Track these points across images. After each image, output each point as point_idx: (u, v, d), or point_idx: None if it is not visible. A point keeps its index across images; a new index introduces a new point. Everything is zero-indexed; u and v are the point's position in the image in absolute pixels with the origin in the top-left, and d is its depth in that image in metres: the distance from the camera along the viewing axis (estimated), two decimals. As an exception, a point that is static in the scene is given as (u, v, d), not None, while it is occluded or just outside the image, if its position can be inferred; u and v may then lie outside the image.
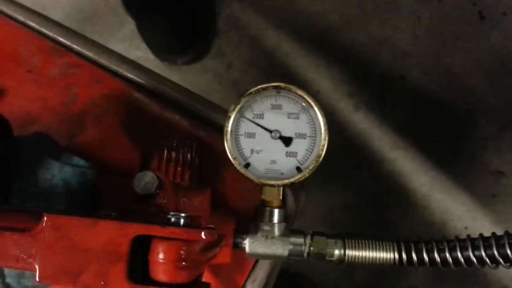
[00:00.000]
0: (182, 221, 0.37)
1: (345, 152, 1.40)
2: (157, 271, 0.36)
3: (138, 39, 1.52)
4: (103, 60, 0.67)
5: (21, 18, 0.70)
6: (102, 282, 0.36)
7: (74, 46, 0.68)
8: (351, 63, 1.49)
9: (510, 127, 1.38)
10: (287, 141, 0.51)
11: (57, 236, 0.37)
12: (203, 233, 0.37)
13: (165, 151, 0.55)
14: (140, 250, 0.37)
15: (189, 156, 0.55)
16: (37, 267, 0.37)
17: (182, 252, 0.35)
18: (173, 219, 0.37)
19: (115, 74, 0.67)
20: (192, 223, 0.38)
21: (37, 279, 0.37)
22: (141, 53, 1.52)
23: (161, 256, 0.36)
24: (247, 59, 1.50)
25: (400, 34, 1.49)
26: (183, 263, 0.35)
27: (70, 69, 0.67)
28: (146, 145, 0.61)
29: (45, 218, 0.37)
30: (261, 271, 0.59)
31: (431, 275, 1.33)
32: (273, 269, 0.63)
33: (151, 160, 0.56)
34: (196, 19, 1.43)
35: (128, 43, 1.55)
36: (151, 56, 1.51)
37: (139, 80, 0.66)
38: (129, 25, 1.54)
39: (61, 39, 0.68)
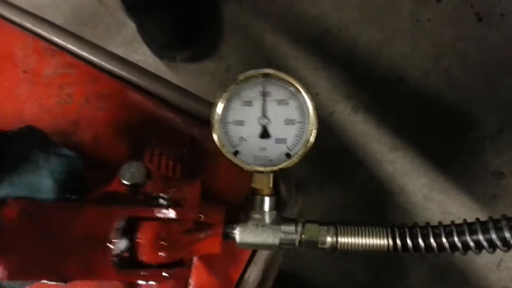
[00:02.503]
0: (162, 201, 0.37)
1: (344, 153, 1.40)
2: (144, 253, 0.35)
3: (137, 43, 1.53)
4: (98, 60, 0.67)
5: (16, 19, 0.70)
6: (86, 270, 0.34)
7: (69, 46, 0.68)
8: (350, 64, 1.49)
9: (509, 127, 1.38)
10: (265, 134, 0.51)
11: (29, 224, 0.34)
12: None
13: (157, 146, 0.55)
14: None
15: (180, 150, 0.55)
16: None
17: (167, 232, 0.35)
18: (155, 202, 0.37)
19: (110, 73, 0.67)
20: (172, 203, 0.38)
21: (2, 276, 0.32)
22: (140, 56, 1.53)
23: (147, 237, 0.35)
24: (246, 61, 1.51)
25: (399, 35, 1.49)
26: (166, 243, 0.35)
27: (64, 69, 0.67)
28: (140, 143, 0.61)
29: (16, 206, 0.35)
30: (256, 267, 0.59)
31: (431, 276, 1.32)
32: (271, 268, 0.63)
33: (143, 155, 0.57)
34: (197, 16, 1.43)
35: (127, 47, 1.56)
36: (150, 59, 1.51)
37: (133, 78, 0.67)
38: (128, 29, 1.55)
39: (56, 39, 0.69)
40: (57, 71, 0.67)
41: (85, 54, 0.68)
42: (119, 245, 0.36)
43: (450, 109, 1.42)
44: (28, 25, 0.70)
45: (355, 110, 1.44)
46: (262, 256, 0.59)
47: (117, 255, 0.36)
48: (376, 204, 1.39)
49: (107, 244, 0.35)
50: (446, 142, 1.40)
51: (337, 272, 1.35)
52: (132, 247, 0.36)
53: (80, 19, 1.60)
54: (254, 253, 0.59)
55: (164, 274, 0.38)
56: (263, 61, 1.51)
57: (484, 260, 1.31)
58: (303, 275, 1.33)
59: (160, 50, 1.46)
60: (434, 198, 1.36)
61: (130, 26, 1.53)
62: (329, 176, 1.39)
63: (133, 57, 1.52)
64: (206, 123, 0.64)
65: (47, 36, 0.69)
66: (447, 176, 1.37)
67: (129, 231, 0.36)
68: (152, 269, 0.37)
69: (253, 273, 0.58)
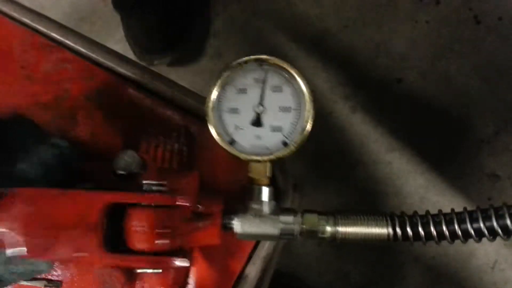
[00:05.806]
0: (156, 187, 0.37)
1: (341, 154, 1.40)
2: (133, 239, 0.36)
3: (135, 40, 1.52)
4: (96, 56, 0.67)
5: (14, 14, 0.70)
6: (77, 253, 0.36)
7: (67, 42, 0.68)
8: (348, 65, 1.49)
9: (506, 130, 1.38)
10: (258, 122, 0.50)
11: (27, 209, 0.37)
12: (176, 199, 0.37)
13: (153, 137, 0.54)
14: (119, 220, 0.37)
15: (177, 142, 0.55)
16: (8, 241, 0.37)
17: (159, 219, 0.36)
18: (145, 188, 0.37)
19: (108, 69, 0.67)
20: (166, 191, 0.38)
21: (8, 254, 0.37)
22: (139, 53, 1.52)
23: (134, 223, 0.36)
24: (244, 61, 1.50)
25: (397, 37, 1.50)
26: (159, 230, 0.35)
27: (62, 64, 0.67)
28: (138, 140, 0.61)
29: (15, 191, 0.37)
30: (255, 266, 0.59)
31: (426, 278, 1.32)
32: (268, 267, 0.63)
33: (139, 147, 0.56)
34: (183, 22, 1.42)
35: (126, 44, 1.55)
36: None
37: (131, 75, 0.66)
38: (127, 26, 1.54)
39: (54, 35, 0.68)
40: (55, 66, 0.67)
41: (83, 50, 0.68)
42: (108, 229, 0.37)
43: (447, 111, 1.42)
44: (27, 20, 0.70)
45: (353, 110, 1.44)
46: (260, 255, 0.58)
47: (107, 239, 0.37)
48: (371, 205, 1.39)
49: (96, 228, 0.36)
50: (443, 144, 1.40)
51: (332, 273, 1.35)
52: (122, 233, 0.37)
53: (79, 15, 1.59)
54: (253, 251, 0.59)
55: (158, 262, 0.38)
56: (262, 60, 1.50)
57: (478, 263, 1.31)
58: (298, 275, 1.33)
59: (140, 52, 1.43)
60: (430, 199, 1.37)
61: (129, 23, 1.52)
62: (325, 176, 1.39)
63: (131, 54, 1.52)
64: (204, 120, 0.64)
65: (46, 32, 0.69)
66: (444, 178, 1.37)
67: (121, 217, 0.37)
68: (144, 256, 0.37)
69: (252, 272, 0.58)
